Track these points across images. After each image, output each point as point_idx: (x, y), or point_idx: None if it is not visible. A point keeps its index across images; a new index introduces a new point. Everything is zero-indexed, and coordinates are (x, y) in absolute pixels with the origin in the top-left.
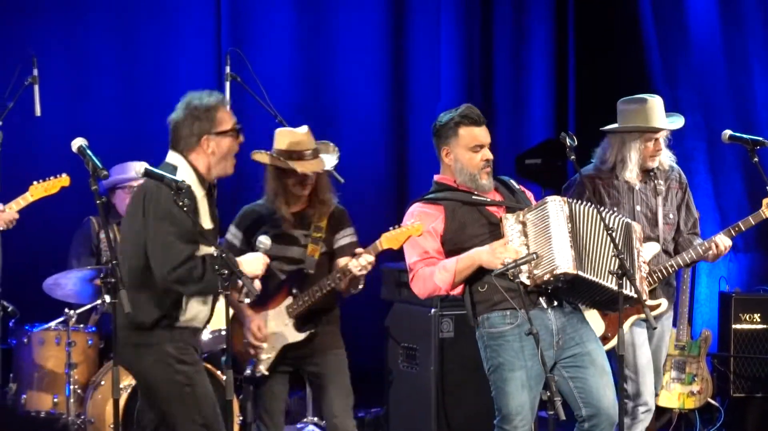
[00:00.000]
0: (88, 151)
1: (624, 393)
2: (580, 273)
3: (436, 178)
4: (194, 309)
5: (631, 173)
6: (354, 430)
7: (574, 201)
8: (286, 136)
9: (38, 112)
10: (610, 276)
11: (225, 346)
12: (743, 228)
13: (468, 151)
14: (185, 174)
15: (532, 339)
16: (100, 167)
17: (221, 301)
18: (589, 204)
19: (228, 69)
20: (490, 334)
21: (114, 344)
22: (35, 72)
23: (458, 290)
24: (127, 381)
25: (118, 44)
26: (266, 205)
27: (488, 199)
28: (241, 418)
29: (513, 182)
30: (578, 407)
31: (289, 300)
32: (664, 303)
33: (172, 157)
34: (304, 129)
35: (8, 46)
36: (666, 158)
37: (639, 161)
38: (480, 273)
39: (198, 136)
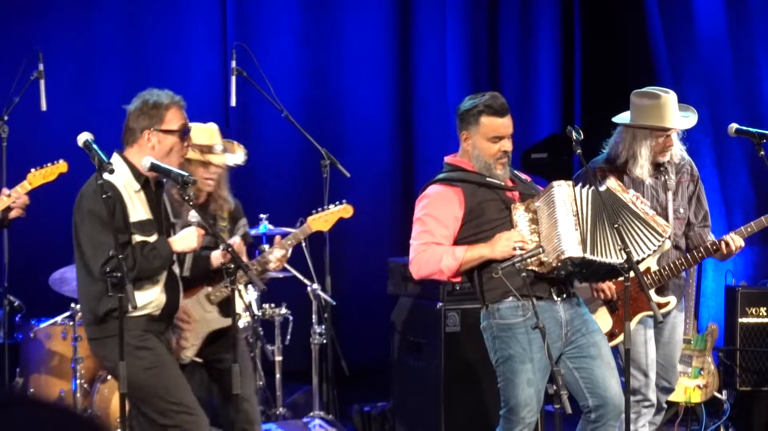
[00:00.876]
0: (95, 146)
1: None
2: (587, 255)
3: (448, 159)
4: (144, 298)
5: (642, 169)
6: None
7: (579, 184)
8: (198, 131)
9: (44, 106)
10: (616, 253)
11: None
12: (756, 229)
13: (486, 141)
14: (117, 169)
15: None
16: (107, 161)
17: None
18: (589, 186)
19: (234, 63)
20: (500, 326)
21: (120, 338)
22: (41, 67)
23: (458, 278)
24: None
25: (123, 39)
26: None
27: (503, 183)
28: None
29: (519, 173)
30: (584, 397)
31: (208, 289)
32: (672, 300)
33: (113, 156)
34: (213, 126)
35: (14, 41)
36: (677, 150)
37: (650, 157)
38: (487, 263)
39: (141, 129)
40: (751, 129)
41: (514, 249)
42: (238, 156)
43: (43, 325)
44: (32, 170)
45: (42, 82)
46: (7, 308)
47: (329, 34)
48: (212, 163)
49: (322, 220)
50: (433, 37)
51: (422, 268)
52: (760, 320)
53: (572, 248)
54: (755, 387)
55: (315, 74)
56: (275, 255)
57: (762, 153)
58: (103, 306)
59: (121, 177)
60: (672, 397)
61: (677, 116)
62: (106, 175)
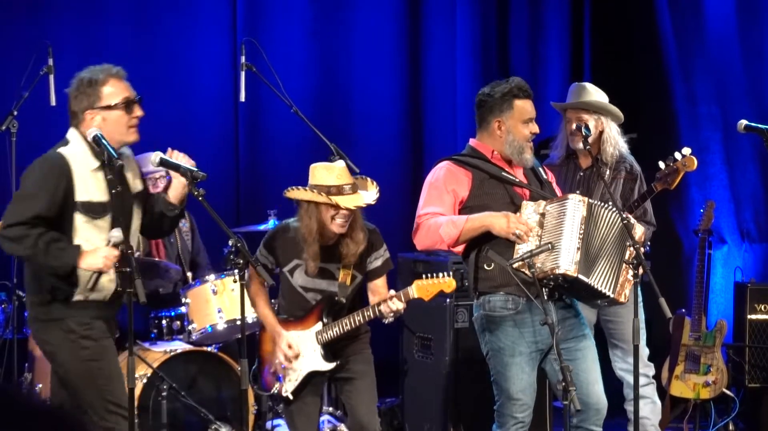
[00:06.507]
0: (104, 140)
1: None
2: (581, 276)
3: (472, 142)
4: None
5: (557, 150)
6: (379, 428)
7: (596, 202)
8: (323, 171)
9: (53, 101)
10: (608, 280)
11: (240, 336)
12: (641, 204)
13: (521, 124)
14: (75, 146)
15: (529, 325)
16: (115, 156)
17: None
18: (610, 207)
19: (243, 59)
20: (489, 317)
21: (129, 333)
22: (50, 61)
23: (459, 248)
24: (143, 371)
25: (133, 34)
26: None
27: (516, 179)
28: (256, 407)
29: (542, 171)
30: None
31: (320, 326)
32: None
33: (70, 131)
34: (340, 163)
35: (24, 36)
36: (610, 148)
37: (565, 140)
38: (484, 238)
39: (81, 111)
40: (760, 125)
41: (513, 234)
42: (370, 194)
43: None
44: None
45: (51, 77)
46: (16, 303)
47: (338, 29)
48: (341, 206)
49: (425, 289)
50: (442, 31)
51: (424, 240)
52: None
53: (568, 266)
54: (764, 384)
55: (324, 69)
56: (392, 307)
57: None
58: (48, 287)
59: (77, 152)
60: (681, 394)
61: (578, 99)
62: (61, 149)
